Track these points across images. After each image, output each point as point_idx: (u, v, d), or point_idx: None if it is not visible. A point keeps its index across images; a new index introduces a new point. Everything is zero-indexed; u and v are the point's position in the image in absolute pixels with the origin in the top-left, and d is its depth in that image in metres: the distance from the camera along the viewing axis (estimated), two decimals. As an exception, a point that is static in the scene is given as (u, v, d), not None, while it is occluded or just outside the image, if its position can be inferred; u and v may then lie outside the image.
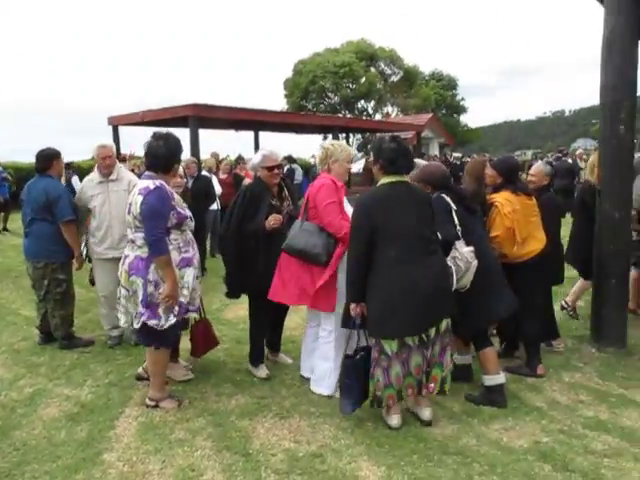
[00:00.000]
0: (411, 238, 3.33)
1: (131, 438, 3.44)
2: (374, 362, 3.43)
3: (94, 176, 5.02)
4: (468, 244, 3.68)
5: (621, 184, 4.74)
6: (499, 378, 3.81)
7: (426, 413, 3.54)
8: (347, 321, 3.57)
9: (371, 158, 3.54)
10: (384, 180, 3.41)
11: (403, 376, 3.39)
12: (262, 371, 4.35)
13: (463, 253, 3.58)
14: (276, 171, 4.14)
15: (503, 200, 4.09)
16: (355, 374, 3.49)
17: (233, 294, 4.33)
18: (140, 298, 3.56)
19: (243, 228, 4.05)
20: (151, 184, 3.56)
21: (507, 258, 4.09)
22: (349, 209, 3.87)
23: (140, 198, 3.53)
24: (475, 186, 4.23)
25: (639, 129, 6.05)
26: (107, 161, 4.92)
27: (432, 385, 3.48)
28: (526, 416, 3.65)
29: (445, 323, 3.44)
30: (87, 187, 5.02)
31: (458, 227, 3.68)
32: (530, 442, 3.33)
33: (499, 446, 3.29)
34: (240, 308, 4.17)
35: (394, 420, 3.49)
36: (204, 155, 12.05)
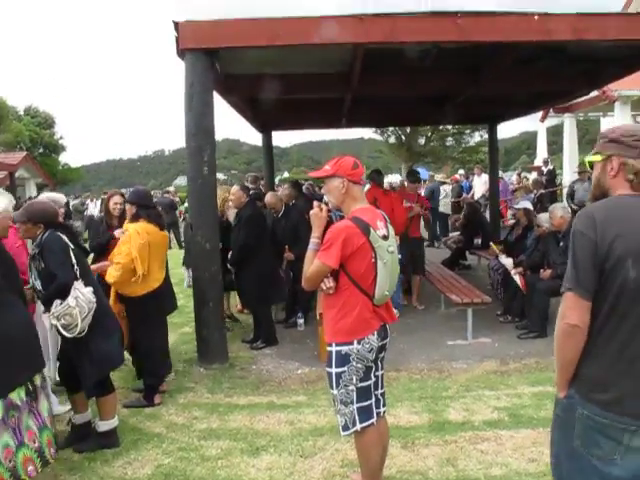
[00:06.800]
0: None
1: None
2: None
3: None
4: (86, 285, 3.58)
5: (208, 218, 5.35)
6: (114, 422, 3.78)
7: None
8: None
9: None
10: None
11: (16, 448, 2.96)
12: None
13: (84, 293, 3.47)
14: None
15: (137, 231, 4.23)
16: None
17: None
18: None
19: None
20: None
21: (123, 292, 4.17)
22: None
23: None
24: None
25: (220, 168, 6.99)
26: None
27: (53, 450, 3.28)
28: (147, 444, 3.78)
29: (41, 377, 3.25)
30: None
31: (76, 267, 3.55)
32: (153, 467, 3.48)
33: (123, 480, 3.31)
34: None
35: None
36: None
